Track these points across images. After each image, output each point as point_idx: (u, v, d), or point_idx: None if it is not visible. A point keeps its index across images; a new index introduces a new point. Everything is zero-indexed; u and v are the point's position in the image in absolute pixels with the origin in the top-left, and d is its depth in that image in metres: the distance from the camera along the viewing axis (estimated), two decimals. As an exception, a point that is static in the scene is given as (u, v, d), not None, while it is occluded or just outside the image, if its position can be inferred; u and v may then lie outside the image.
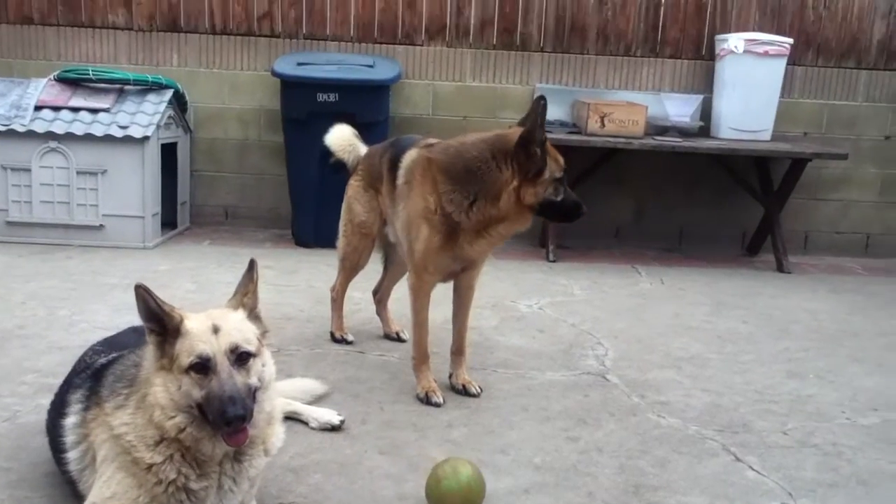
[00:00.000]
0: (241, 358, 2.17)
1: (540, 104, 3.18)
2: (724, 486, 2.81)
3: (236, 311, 2.28)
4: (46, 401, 2.69)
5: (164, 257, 5.75)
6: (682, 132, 6.53)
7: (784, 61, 6.59)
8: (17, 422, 3.02)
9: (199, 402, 2.12)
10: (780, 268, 6.37)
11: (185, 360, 2.13)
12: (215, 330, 2.17)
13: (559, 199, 3.29)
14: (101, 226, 5.96)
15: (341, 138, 4.22)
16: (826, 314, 5.16)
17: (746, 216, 6.98)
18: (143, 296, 2.15)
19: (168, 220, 6.51)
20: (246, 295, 2.31)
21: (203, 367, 2.12)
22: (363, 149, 4.17)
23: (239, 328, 2.21)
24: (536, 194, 3.25)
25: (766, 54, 6.49)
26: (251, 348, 2.20)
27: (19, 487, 2.55)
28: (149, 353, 2.23)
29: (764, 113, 6.62)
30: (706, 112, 6.86)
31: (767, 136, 6.64)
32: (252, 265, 2.34)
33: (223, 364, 2.13)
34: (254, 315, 2.31)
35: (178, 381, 2.14)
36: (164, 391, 2.15)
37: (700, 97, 6.91)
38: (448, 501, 2.46)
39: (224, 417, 2.06)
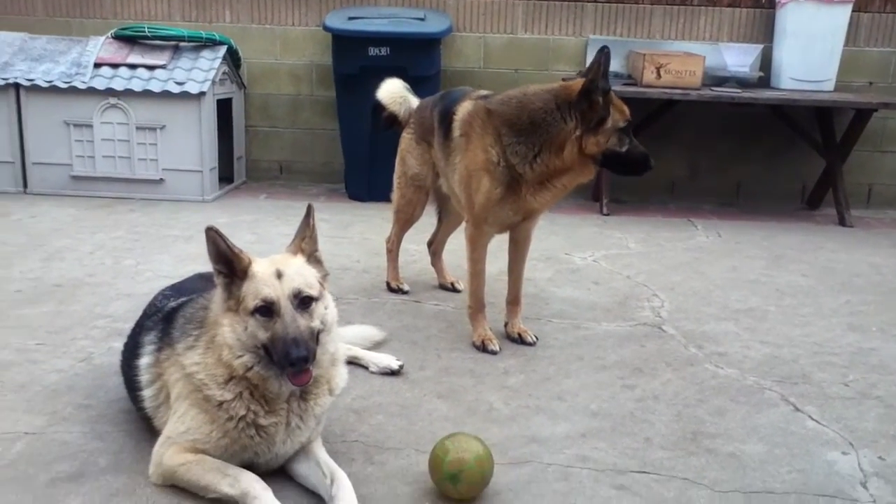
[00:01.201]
0: (303, 302, 2.23)
1: (603, 53, 3.13)
2: (783, 434, 2.80)
3: (296, 256, 2.34)
4: (118, 344, 2.81)
5: (223, 210, 5.87)
6: (741, 83, 6.37)
7: (849, 8, 6.34)
8: (93, 363, 3.16)
9: (264, 343, 2.19)
10: (842, 222, 6.22)
11: (251, 302, 2.20)
12: (279, 275, 2.23)
13: (623, 150, 3.25)
14: (161, 180, 6.11)
15: (392, 91, 4.22)
16: (889, 268, 5.03)
17: (806, 169, 6.80)
18: (214, 237, 2.22)
19: (225, 175, 6.64)
20: (304, 240, 2.37)
21: (268, 310, 2.19)
22: (415, 101, 4.17)
23: (301, 273, 2.27)
24: (598, 144, 3.21)
25: (829, 1, 6.25)
26: (313, 292, 2.26)
27: (99, 422, 2.68)
28: (217, 295, 2.31)
29: (826, 62, 6.41)
30: (766, 62, 6.67)
31: (830, 86, 6.44)
32: (309, 210, 2.38)
33: (287, 308, 2.19)
34: (314, 259, 2.37)
35: (244, 322, 2.21)
36: (231, 332, 2.22)
37: (759, 47, 6.71)
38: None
39: (288, 359, 2.13)
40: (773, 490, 2.43)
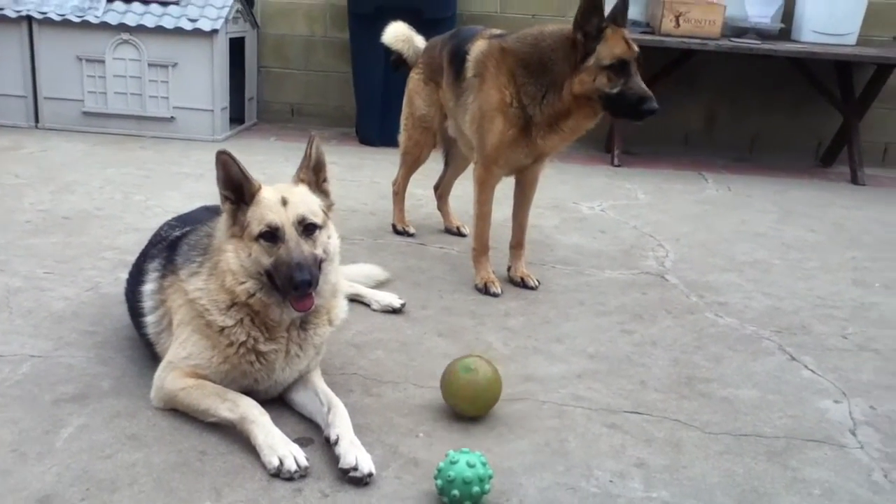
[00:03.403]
0: (307, 229, 2.25)
1: None
2: (778, 382, 2.82)
3: (299, 185, 2.35)
4: (125, 274, 2.86)
5: (233, 151, 5.72)
6: (761, 34, 6.25)
7: (877, -41, 6.18)
8: (100, 291, 3.21)
9: (267, 269, 2.22)
10: (855, 179, 6.16)
11: (256, 228, 2.22)
12: (284, 202, 2.25)
13: (613, 90, 3.13)
14: (172, 118, 6.11)
15: (397, 33, 4.16)
16: (899, 226, 5.00)
17: (823, 126, 6.71)
18: (227, 161, 2.24)
19: (236, 116, 6.63)
20: (303, 170, 2.38)
21: (272, 235, 2.22)
22: (420, 42, 4.12)
23: (305, 201, 2.29)
24: (583, 83, 3.14)
25: (857, -49, 6.09)
26: (317, 220, 2.28)
27: (104, 348, 2.74)
28: (222, 221, 2.33)
29: (850, 15, 6.27)
30: (788, 13, 6.53)
31: (852, 39, 6.31)
32: (310, 140, 2.39)
33: (291, 233, 2.22)
34: (320, 189, 2.39)
35: (248, 248, 2.24)
36: (234, 257, 2.26)
37: (782, -2, 6.56)
38: (465, 389, 2.41)
39: (291, 283, 2.16)
40: (763, 434, 2.46)
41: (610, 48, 3.12)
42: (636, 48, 3.17)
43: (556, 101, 3.21)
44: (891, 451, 2.40)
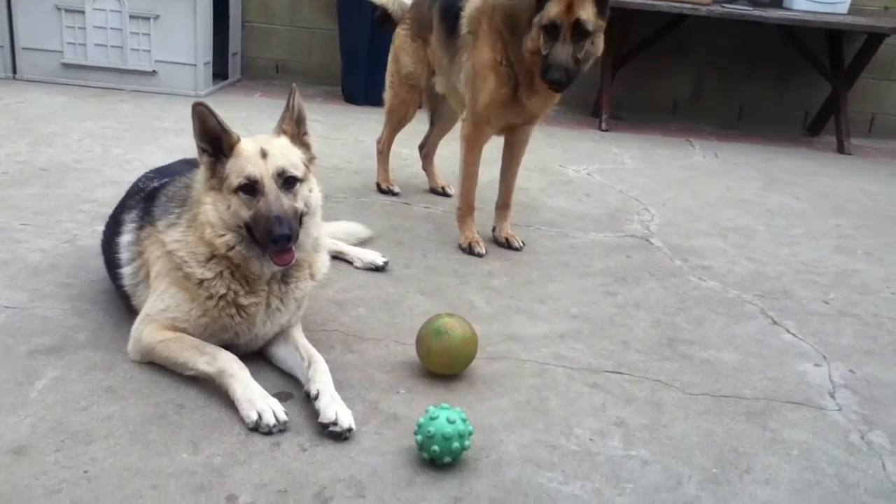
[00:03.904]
0: (287, 182, 2.21)
1: None
2: (759, 345, 2.83)
3: (280, 136, 2.30)
4: (102, 227, 2.79)
5: (216, 107, 5.56)
6: (753, 2, 6.18)
7: (872, -74, 6.10)
8: (77, 244, 3.16)
9: (247, 222, 2.18)
10: (841, 149, 6.15)
11: (235, 180, 2.18)
12: (263, 154, 2.20)
13: (545, 52, 3.06)
14: (154, 72, 5.98)
15: None
16: (884, 196, 5.01)
17: (811, 96, 6.69)
18: (203, 112, 2.19)
19: (219, 72, 6.49)
20: (285, 121, 2.32)
21: (251, 188, 2.17)
22: None
23: (285, 153, 2.25)
24: (532, 40, 3.10)
25: (852, -83, 6.01)
26: (297, 173, 2.24)
27: (80, 300, 2.69)
28: (200, 174, 2.29)
29: (843, -17, 6.20)
30: (780, -19, 6.45)
31: (844, 8, 6.24)
32: (291, 91, 2.33)
33: (270, 186, 2.17)
34: (301, 141, 2.34)
35: (227, 200, 2.20)
36: (213, 210, 2.21)
37: (775, -36, 6.48)
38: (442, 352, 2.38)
39: (270, 236, 2.12)
40: (743, 395, 2.47)
41: (549, 9, 3.04)
42: (580, 15, 3.00)
43: (524, 59, 3.17)
44: (868, 414, 2.42)
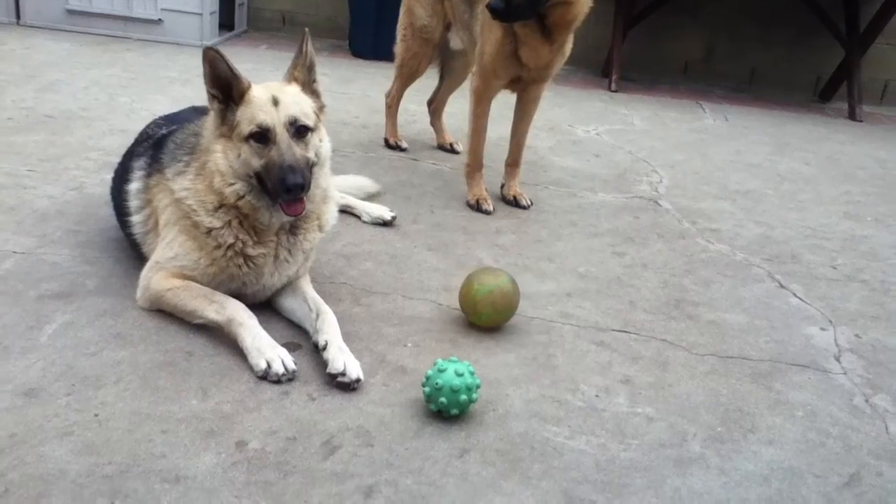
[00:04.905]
0: (299, 131, 2.19)
1: None
2: (766, 308, 2.83)
3: (291, 84, 2.27)
4: (109, 175, 2.79)
5: None
6: (770, -39, 6.06)
7: None
8: (84, 192, 3.14)
9: (257, 170, 2.16)
10: (853, 115, 6.09)
11: (246, 128, 2.15)
12: (275, 102, 2.17)
13: None
14: (160, 20, 5.90)
15: None
16: (893, 163, 4.97)
17: (824, 61, 6.59)
18: (214, 57, 2.15)
19: (226, 22, 6.41)
20: (297, 68, 2.29)
21: (263, 136, 2.15)
22: None
23: (297, 101, 2.22)
24: None
25: None
26: (309, 122, 2.21)
27: (88, 247, 2.69)
28: (210, 121, 2.26)
29: (863, -56, 6.07)
30: (799, -60, 6.31)
31: (863, -30, 6.12)
32: (303, 37, 2.29)
33: (282, 135, 2.15)
34: (311, 90, 2.31)
35: (237, 149, 2.18)
36: (223, 158, 2.19)
37: (795, -77, 6.34)
38: (484, 300, 2.41)
39: (283, 185, 2.10)
40: (749, 357, 2.48)
41: None
42: None
43: None
44: (872, 378, 2.42)
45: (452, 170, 3.91)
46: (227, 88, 2.19)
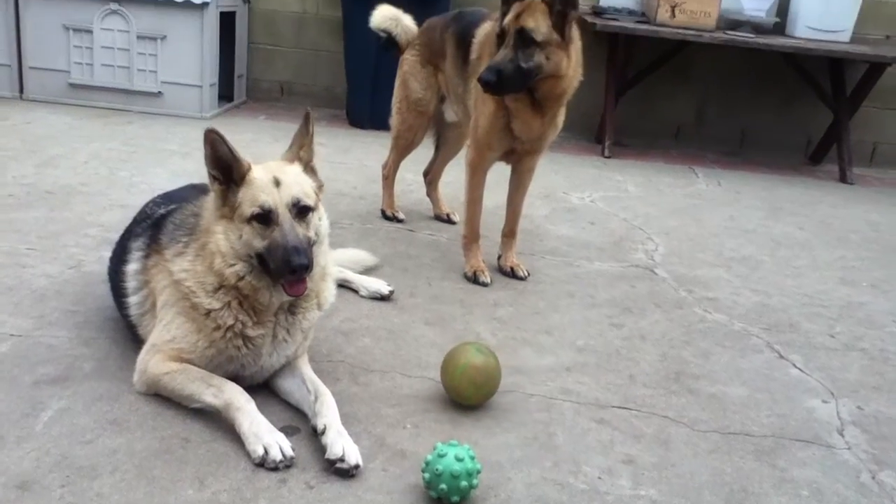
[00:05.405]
0: (301, 211, 2.21)
1: None
2: (766, 380, 2.82)
3: (293, 164, 2.30)
4: (108, 253, 2.80)
5: (221, 129, 5.66)
6: (756, 28, 6.22)
7: (874, -44, 6.15)
8: (82, 270, 3.15)
9: (259, 251, 2.17)
10: (844, 178, 6.17)
11: (248, 209, 2.17)
12: (277, 182, 2.20)
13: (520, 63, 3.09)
14: (160, 93, 6.00)
15: (384, 14, 4.07)
16: (887, 226, 5.01)
17: (813, 123, 6.71)
18: (215, 139, 2.18)
19: (225, 94, 6.52)
20: (301, 148, 2.33)
21: (265, 217, 2.17)
22: (409, 21, 4.06)
23: (298, 182, 2.25)
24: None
25: (854, -53, 6.06)
26: (310, 202, 2.24)
27: (85, 328, 2.68)
28: (210, 202, 2.28)
29: (844, 12, 6.24)
30: (783, 8, 6.49)
31: (846, 37, 6.28)
32: (307, 117, 2.33)
33: (285, 216, 2.17)
34: (310, 168, 2.34)
35: (239, 230, 2.19)
36: (224, 239, 2.20)
37: (778, -7, 6.53)
38: (464, 380, 2.40)
39: (289, 266, 2.11)
40: (752, 433, 2.45)
41: (504, 20, 3.12)
42: (525, 23, 3.05)
43: None
44: (878, 453, 2.40)
45: (449, 240, 3.93)
46: (227, 169, 2.22)
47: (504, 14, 3.14)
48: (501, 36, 3.13)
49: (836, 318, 3.45)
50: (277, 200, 2.17)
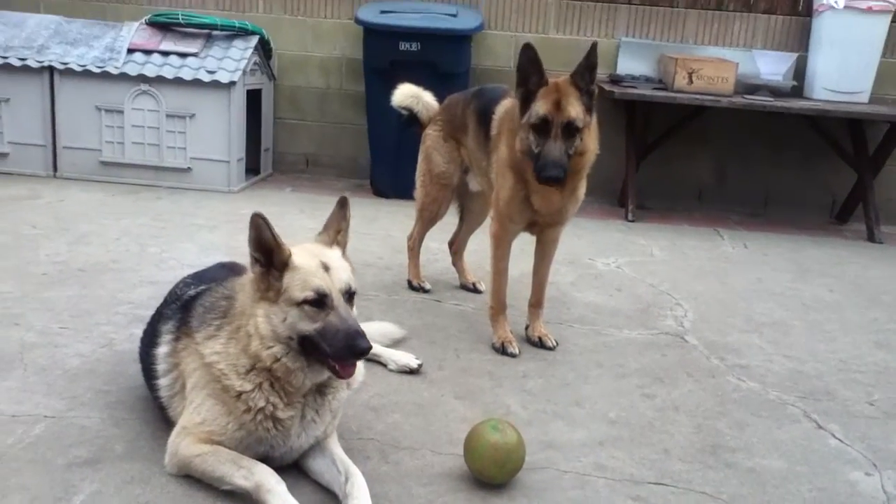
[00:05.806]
0: (350, 296, 2.25)
1: (523, 51, 3.16)
2: (805, 451, 2.75)
3: (332, 248, 2.34)
4: (139, 330, 2.82)
5: (248, 201, 5.89)
6: (774, 91, 6.28)
7: (888, 18, 6.21)
8: (114, 349, 3.18)
9: (307, 334, 2.18)
10: (871, 237, 6.11)
11: (299, 294, 2.19)
12: (326, 267, 2.23)
13: (536, 150, 3.13)
14: (189, 168, 6.14)
15: (405, 92, 4.18)
16: (919, 286, 4.94)
17: (836, 182, 6.70)
18: (260, 224, 2.21)
19: (251, 167, 6.65)
20: (339, 232, 2.37)
21: (319, 302, 2.19)
22: (430, 98, 4.15)
23: (344, 267, 2.30)
24: (520, 141, 3.20)
25: (869, 10, 6.14)
26: (356, 287, 2.27)
27: (117, 408, 2.69)
28: (248, 284, 2.30)
29: (862, 73, 6.29)
30: (800, 71, 6.56)
31: (865, 98, 6.32)
32: (344, 203, 2.38)
33: (339, 300, 2.20)
34: (344, 252, 2.37)
35: (283, 313, 2.20)
36: (265, 322, 2.21)
37: (794, 55, 6.60)
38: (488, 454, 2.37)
39: (352, 350, 2.14)
40: (793, 508, 2.39)
41: (537, 108, 3.12)
42: (570, 113, 3.08)
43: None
44: (926, 530, 2.32)
45: (475, 310, 3.93)
46: (268, 253, 2.25)
47: (526, 96, 3.16)
48: (541, 125, 3.10)
49: (873, 384, 3.38)
50: (331, 285, 2.21)
